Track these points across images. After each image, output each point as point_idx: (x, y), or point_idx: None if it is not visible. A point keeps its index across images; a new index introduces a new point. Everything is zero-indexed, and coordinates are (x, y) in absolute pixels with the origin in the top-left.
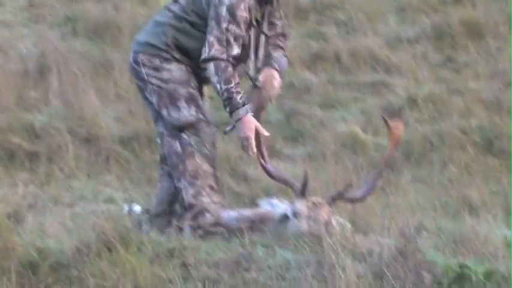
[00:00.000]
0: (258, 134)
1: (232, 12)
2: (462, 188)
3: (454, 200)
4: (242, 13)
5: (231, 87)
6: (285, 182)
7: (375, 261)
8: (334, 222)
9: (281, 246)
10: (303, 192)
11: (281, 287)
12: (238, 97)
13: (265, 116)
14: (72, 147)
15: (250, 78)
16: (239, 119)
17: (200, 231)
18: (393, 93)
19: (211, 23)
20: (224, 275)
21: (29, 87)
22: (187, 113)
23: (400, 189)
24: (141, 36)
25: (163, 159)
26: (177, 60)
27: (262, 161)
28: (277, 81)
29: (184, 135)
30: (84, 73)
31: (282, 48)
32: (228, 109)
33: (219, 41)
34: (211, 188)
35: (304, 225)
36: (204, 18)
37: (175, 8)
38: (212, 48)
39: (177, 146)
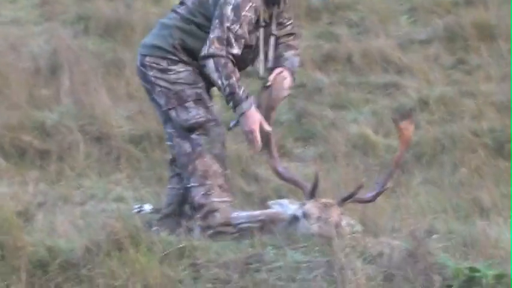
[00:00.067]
0: (268, 135)
1: (236, 12)
2: (473, 191)
3: (465, 203)
4: (247, 14)
5: (233, 82)
6: (295, 183)
7: (384, 263)
8: (344, 223)
9: (291, 248)
10: (313, 194)
11: None
12: (241, 91)
13: (275, 116)
14: (83, 145)
15: (260, 78)
16: (243, 113)
17: (210, 231)
18: (405, 95)
19: (215, 22)
20: (234, 276)
21: (40, 85)
22: (195, 114)
23: (411, 191)
24: (148, 39)
25: (174, 161)
26: (184, 62)
27: (272, 162)
28: (287, 81)
29: (193, 136)
30: (95, 72)
31: (293, 47)
32: (231, 104)
33: (219, 39)
34: (221, 187)
35: (314, 226)
36: (211, 20)
37: (182, 10)
38: (212, 45)
39: (187, 146)
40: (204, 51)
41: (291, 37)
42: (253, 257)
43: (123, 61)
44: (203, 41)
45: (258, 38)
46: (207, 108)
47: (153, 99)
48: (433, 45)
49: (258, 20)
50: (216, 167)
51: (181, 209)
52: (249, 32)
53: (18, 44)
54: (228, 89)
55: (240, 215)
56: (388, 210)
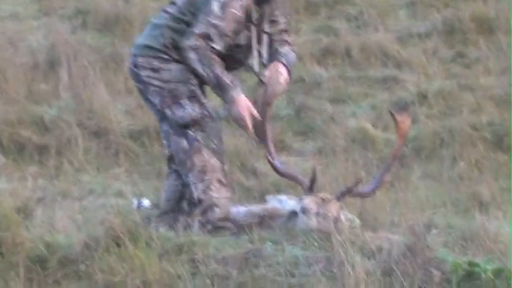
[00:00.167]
0: (265, 129)
1: (223, 8)
2: (472, 185)
3: (464, 197)
4: (234, 11)
5: (218, 71)
6: (293, 178)
7: (384, 258)
8: (343, 218)
9: (290, 243)
10: (311, 189)
11: (290, 283)
12: (227, 79)
13: (271, 112)
14: (82, 140)
15: (256, 74)
16: (231, 101)
17: (209, 226)
18: (404, 89)
19: (200, 17)
20: (233, 271)
21: (38, 80)
22: (191, 110)
23: (410, 186)
24: (140, 40)
25: (171, 159)
26: (176, 61)
27: (270, 158)
28: (283, 77)
29: (190, 132)
30: (94, 66)
31: (288, 43)
32: (219, 93)
33: (202, 33)
34: (220, 182)
35: (313, 221)
36: None
37: (172, 9)
38: (192, 38)
39: (184, 142)
40: (185, 42)
41: (285, 33)
42: (252, 252)
43: (121, 56)
44: None
45: (249, 37)
46: (201, 104)
47: (147, 99)
48: (432, 39)
49: (249, 19)
50: (214, 161)
51: (180, 205)
52: (239, 31)
53: (17, 39)
54: (214, 79)
55: (239, 210)
56: (387, 205)
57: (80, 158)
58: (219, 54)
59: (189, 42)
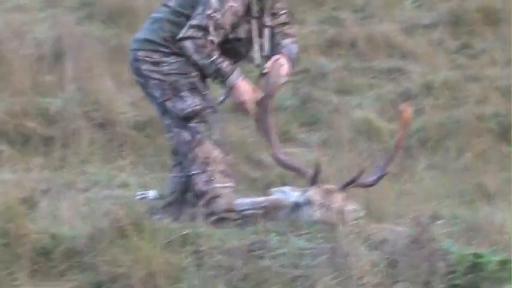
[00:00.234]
0: (269, 119)
1: (222, 2)
2: (477, 175)
3: (469, 188)
4: (233, 4)
5: (215, 58)
6: (296, 170)
7: (389, 249)
8: (347, 209)
9: (295, 234)
10: (315, 180)
11: (294, 274)
12: (225, 65)
13: (273, 103)
14: (87, 132)
15: (257, 66)
16: (232, 86)
17: (213, 218)
18: (409, 80)
19: (199, 9)
20: (237, 263)
21: (44, 71)
22: (191, 102)
23: (415, 177)
24: (140, 34)
25: (175, 151)
26: (176, 54)
27: (273, 150)
28: (284, 68)
29: (191, 124)
30: (99, 58)
31: (290, 35)
32: (219, 80)
33: (198, 25)
34: (223, 173)
35: (317, 213)
36: None
37: (172, 3)
38: (190, 29)
39: (186, 135)
40: (181, 34)
41: (287, 26)
42: (256, 243)
43: (127, 47)
44: None
45: (250, 30)
46: (202, 96)
47: (148, 93)
48: (438, 30)
49: (250, 13)
50: (216, 152)
51: (184, 197)
52: (238, 24)
53: (22, 31)
54: (212, 66)
55: (244, 201)
56: (392, 196)
57: (85, 150)
58: (218, 46)
59: (186, 33)
